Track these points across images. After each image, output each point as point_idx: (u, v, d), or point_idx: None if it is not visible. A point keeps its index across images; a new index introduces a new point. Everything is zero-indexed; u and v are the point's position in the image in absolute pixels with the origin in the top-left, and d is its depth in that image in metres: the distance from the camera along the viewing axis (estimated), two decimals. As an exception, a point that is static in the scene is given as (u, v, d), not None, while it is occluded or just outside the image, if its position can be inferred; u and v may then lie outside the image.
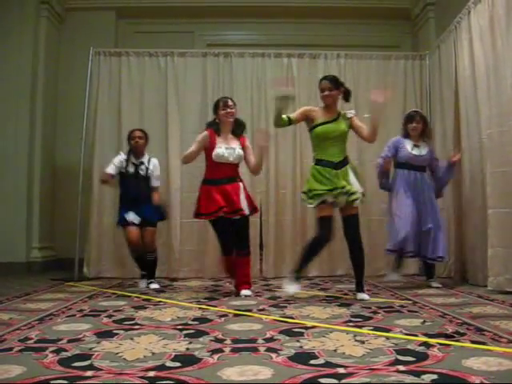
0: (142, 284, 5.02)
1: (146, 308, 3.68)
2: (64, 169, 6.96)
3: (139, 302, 4.03)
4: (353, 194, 4.06)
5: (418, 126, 4.90)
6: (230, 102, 4.54)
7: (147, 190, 5.10)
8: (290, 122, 4.25)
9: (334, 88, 4.23)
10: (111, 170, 5.04)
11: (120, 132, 6.09)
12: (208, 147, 4.46)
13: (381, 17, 7.61)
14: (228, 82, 6.31)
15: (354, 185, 4.13)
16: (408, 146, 4.88)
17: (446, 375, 1.93)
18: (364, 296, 4.08)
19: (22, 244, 6.44)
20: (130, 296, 4.34)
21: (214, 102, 4.68)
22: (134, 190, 5.01)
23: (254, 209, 4.60)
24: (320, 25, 7.63)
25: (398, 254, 4.81)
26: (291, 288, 4.11)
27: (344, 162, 4.19)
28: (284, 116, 4.19)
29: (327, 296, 4.32)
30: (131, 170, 5.06)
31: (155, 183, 5.15)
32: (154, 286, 4.97)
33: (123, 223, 4.98)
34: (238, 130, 4.60)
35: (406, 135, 4.95)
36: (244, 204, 4.42)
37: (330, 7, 7.50)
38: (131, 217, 4.93)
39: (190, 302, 3.95)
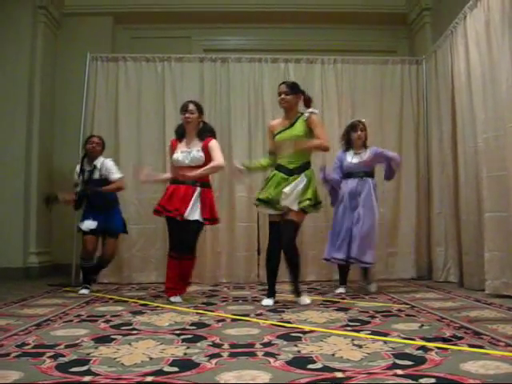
0: (83, 291, 4.97)
1: (143, 313, 3.68)
2: (61, 174, 6.95)
3: (137, 307, 4.03)
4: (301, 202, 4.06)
5: (362, 134, 4.97)
6: (190, 107, 4.54)
7: (105, 196, 5.05)
8: (272, 153, 4.37)
9: (291, 93, 4.24)
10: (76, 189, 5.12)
11: (117, 137, 6.10)
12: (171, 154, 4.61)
13: (377, 22, 7.64)
14: (225, 87, 6.32)
15: (298, 193, 4.08)
16: (349, 157, 4.95)
17: (444, 379, 1.93)
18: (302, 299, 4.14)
19: (19, 249, 6.43)
20: (127, 301, 4.34)
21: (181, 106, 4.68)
22: (91, 197, 5.03)
23: (213, 219, 4.54)
24: (317, 30, 7.65)
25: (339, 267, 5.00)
26: (265, 302, 4.11)
27: (301, 168, 4.15)
28: (262, 160, 4.47)
29: (325, 300, 4.31)
30: (86, 177, 5.09)
31: (113, 177, 5.06)
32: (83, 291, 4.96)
33: (82, 231, 5.06)
34: (202, 134, 4.56)
35: (348, 146, 5.00)
36: (192, 209, 4.33)
37: (326, 13, 7.53)
38: (87, 224, 4.98)
39: (188, 307, 3.94)
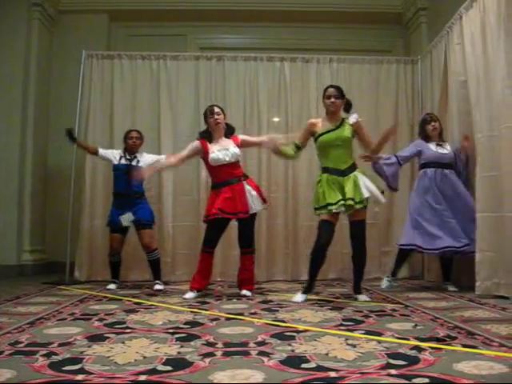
0: (110, 286, 5.11)
1: (137, 311, 3.67)
2: (55, 172, 6.94)
3: (130, 305, 4.02)
4: (360, 202, 4.09)
5: (436, 124, 5.05)
6: (216, 109, 4.65)
7: (139, 188, 5.19)
8: (299, 148, 4.40)
9: (339, 97, 4.31)
10: (101, 150, 5.34)
11: (112, 135, 6.08)
12: (204, 156, 4.59)
13: (373, 21, 7.65)
14: (220, 86, 6.32)
15: (367, 189, 4.14)
16: (432, 146, 4.99)
17: (438, 379, 1.93)
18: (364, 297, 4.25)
19: (12, 247, 6.41)
20: (121, 299, 4.33)
21: (204, 111, 4.77)
22: (123, 184, 5.11)
23: (263, 202, 4.75)
24: (313, 29, 7.66)
25: (403, 253, 4.94)
26: (298, 298, 4.17)
27: (351, 169, 4.22)
28: (289, 148, 4.36)
29: (319, 300, 4.31)
30: (123, 162, 5.21)
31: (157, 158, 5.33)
32: (158, 287, 5.04)
33: (112, 227, 5.15)
34: (228, 133, 4.72)
35: (425, 138, 5.06)
36: (251, 203, 4.54)
37: (322, 12, 7.54)
38: (124, 219, 5.08)
39: (182, 306, 3.94)
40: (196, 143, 4.65)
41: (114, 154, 5.29)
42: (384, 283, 4.98)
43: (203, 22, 7.66)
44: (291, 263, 6.03)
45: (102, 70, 6.29)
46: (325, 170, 4.26)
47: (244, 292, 4.56)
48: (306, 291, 4.26)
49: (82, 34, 7.15)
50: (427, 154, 4.97)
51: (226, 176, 4.53)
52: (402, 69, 6.51)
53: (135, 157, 5.25)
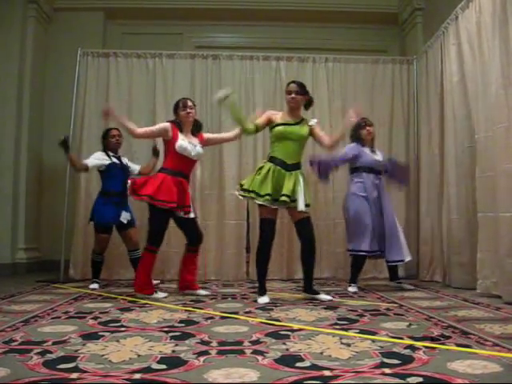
0: (94, 286, 5.06)
1: (131, 310, 3.67)
2: (50, 170, 6.92)
3: (125, 303, 4.01)
4: (294, 201, 4.13)
5: (371, 129, 5.00)
6: (189, 103, 4.61)
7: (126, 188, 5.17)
8: (257, 129, 4.38)
9: (301, 93, 4.34)
10: (89, 162, 5.18)
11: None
12: (170, 139, 4.48)
13: (369, 21, 7.66)
14: (216, 84, 6.30)
15: (301, 193, 4.16)
16: (367, 150, 4.95)
17: (431, 378, 1.94)
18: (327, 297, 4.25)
19: (7, 245, 6.38)
20: (116, 298, 4.32)
21: (175, 103, 4.69)
22: (120, 183, 5.10)
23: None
24: (309, 28, 7.67)
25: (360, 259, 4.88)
26: (262, 299, 4.12)
27: (296, 166, 4.27)
28: (250, 125, 4.32)
29: (313, 298, 4.32)
30: (116, 160, 5.21)
31: (137, 168, 5.44)
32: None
33: (103, 227, 5.12)
34: (195, 129, 4.68)
35: (358, 142, 4.98)
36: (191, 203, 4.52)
37: (318, 11, 7.54)
38: (125, 216, 5.12)
39: (176, 304, 3.94)
40: (166, 125, 4.54)
41: (103, 157, 5.20)
42: (351, 288, 4.81)
43: (199, 20, 7.66)
44: (286, 262, 6.02)
45: (98, 68, 6.27)
46: (271, 159, 4.28)
47: (202, 291, 4.62)
48: (263, 293, 4.22)
49: (78, 32, 7.13)
50: (364, 159, 4.91)
51: (182, 167, 4.48)
52: (397, 69, 6.51)
53: (119, 157, 5.29)
